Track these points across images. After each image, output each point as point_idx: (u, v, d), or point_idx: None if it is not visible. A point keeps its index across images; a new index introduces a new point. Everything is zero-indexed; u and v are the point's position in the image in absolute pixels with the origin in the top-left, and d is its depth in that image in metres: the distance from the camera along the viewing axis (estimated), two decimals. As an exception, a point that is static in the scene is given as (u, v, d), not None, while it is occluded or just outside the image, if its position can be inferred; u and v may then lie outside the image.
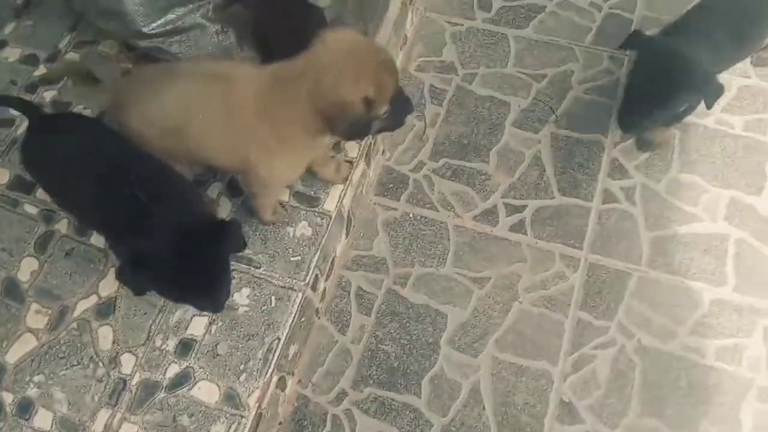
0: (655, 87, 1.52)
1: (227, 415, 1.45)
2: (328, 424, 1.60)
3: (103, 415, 1.47)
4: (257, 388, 1.47)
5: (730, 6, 1.61)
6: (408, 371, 1.64)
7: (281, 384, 1.57)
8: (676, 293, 1.67)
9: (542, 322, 1.67)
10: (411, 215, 1.83)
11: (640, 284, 1.69)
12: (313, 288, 1.62)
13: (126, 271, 1.26)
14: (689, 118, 1.82)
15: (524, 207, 1.80)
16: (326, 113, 1.28)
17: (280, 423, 1.62)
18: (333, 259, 1.75)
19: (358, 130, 1.33)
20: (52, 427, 1.47)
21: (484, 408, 1.58)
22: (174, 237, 1.23)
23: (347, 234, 1.81)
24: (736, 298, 1.64)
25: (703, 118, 1.85)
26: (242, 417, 1.45)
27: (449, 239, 1.79)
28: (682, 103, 1.57)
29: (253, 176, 1.47)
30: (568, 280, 1.71)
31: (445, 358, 1.65)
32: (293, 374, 1.64)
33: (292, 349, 1.59)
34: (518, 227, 1.78)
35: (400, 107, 1.35)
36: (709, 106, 1.51)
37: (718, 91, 1.49)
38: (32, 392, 1.51)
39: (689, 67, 1.50)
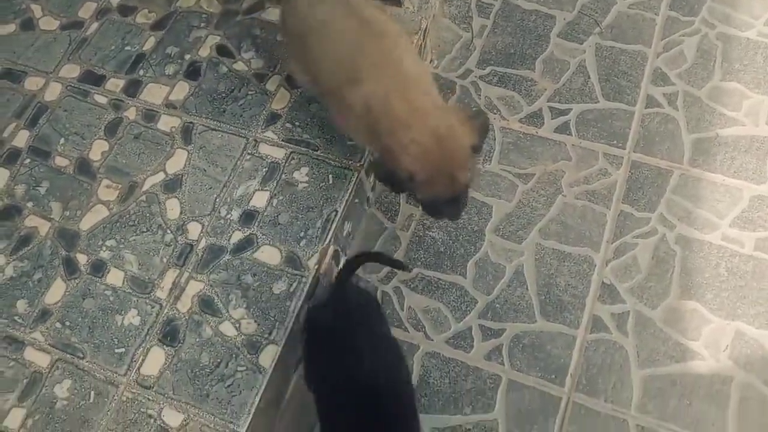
0: None
1: (288, 275, 1.54)
2: (378, 298, 1.69)
3: (171, 275, 1.58)
4: (316, 252, 1.56)
5: None
6: (454, 255, 1.72)
7: (336, 258, 1.66)
8: (717, 190, 1.72)
9: (585, 213, 1.73)
10: (458, 117, 1.91)
11: (681, 181, 1.74)
12: (367, 173, 1.71)
13: None
14: (731, 30, 1.88)
15: (569, 110, 1.87)
16: (384, 144, 1.33)
17: (333, 298, 1.72)
18: (384, 152, 1.83)
19: (388, 180, 1.39)
20: (123, 284, 1.58)
21: (527, 288, 1.66)
22: None
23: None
24: (775, 196, 1.69)
25: (746, 31, 1.90)
26: (302, 277, 1.54)
27: (495, 139, 1.86)
28: None
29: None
30: (611, 176, 1.77)
31: (489, 244, 1.72)
32: (346, 254, 1.73)
33: (347, 227, 1.68)
34: (563, 129, 1.85)
35: (443, 208, 1.40)
36: None
37: None
38: (104, 254, 1.62)
39: None
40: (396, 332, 1.64)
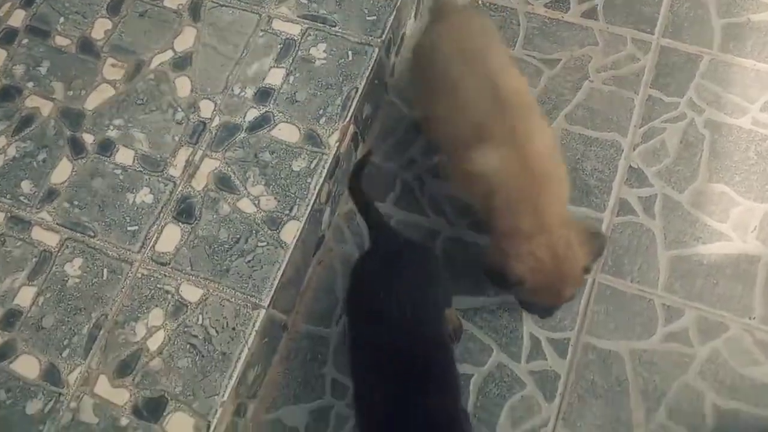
0: None
1: (308, 152, 1.48)
2: (398, 187, 1.63)
3: (184, 153, 1.51)
4: (336, 129, 1.49)
5: None
6: (477, 141, 1.67)
7: (355, 140, 1.59)
8: (748, 75, 1.67)
9: (612, 98, 1.67)
10: (480, 3, 1.82)
11: (711, 66, 1.68)
12: (387, 52, 1.63)
13: None
14: None
15: (596, -5, 1.79)
16: (498, 242, 1.29)
17: (351, 183, 1.66)
18: (403, 35, 1.75)
19: (493, 276, 1.33)
20: (133, 162, 1.51)
21: (553, 173, 1.62)
22: None
23: (417, 16, 1.80)
24: (807, 82, 1.64)
25: None
26: (323, 154, 1.47)
27: (519, 24, 1.78)
28: None
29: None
30: (639, 61, 1.70)
31: (514, 131, 1.67)
32: (365, 141, 1.67)
33: (366, 109, 1.61)
34: (590, 13, 1.77)
35: (539, 311, 1.41)
36: None
37: None
38: (112, 133, 1.54)
39: None
40: (417, 219, 1.60)
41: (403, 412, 1.09)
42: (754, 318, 1.46)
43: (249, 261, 1.40)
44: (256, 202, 1.45)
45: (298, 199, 1.44)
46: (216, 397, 1.31)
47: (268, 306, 1.37)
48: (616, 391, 1.43)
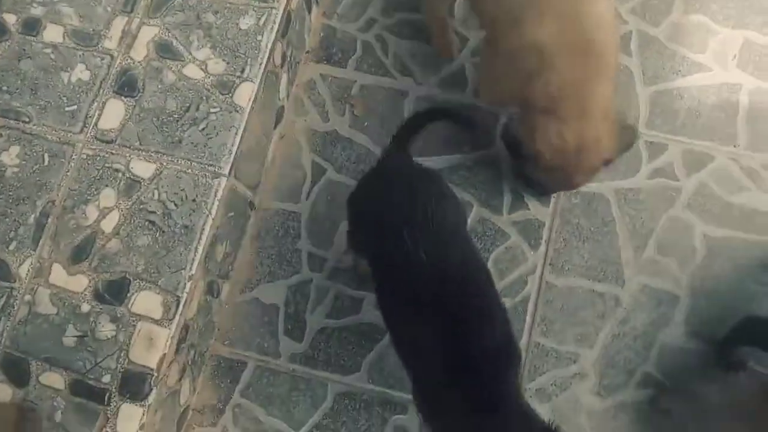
0: None
1: (255, 8, 1.34)
2: (359, 48, 1.52)
3: (119, 23, 1.36)
4: (285, -19, 1.37)
5: None
6: (439, -4, 1.55)
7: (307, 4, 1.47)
8: None
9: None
10: None
11: None
12: None
13: None
14: None
15: None
16: (530, 117, 1.20)
17: (308, 51, 1.54)
18: None
19: (510, 144, 1.31)
20: (64, 39, 1.36)
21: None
22: None
23: None
24: None
25: None
26: (272, 8, 1.34)
27: None
28: None
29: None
30: None
31: (477, -19, 1.56)
32: (318, 3, 1.54)
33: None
34: None
35: (541, 188, 1.37)
36: None
37: None
38: (36, 11, 1.38)
39: None
40: (383, 81, 1.50)
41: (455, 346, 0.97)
42: (738, 145, 1.40)
43: (203, 129, 1.29)
44: (204, 66, 1.32)
45: (249, 59, 1.32)
46: (182, 271, 1.22)
47: (229, 174, 1.26)
48: (603, 232, 1.37)
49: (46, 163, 1.29)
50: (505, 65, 1.22)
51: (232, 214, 1.33)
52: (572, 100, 1.14)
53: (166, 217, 1.24)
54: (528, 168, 1.30)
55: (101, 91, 1.32)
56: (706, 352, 1.30)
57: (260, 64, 1.32)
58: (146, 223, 1.24)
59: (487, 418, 0.95)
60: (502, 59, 1.22)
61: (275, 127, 1.45)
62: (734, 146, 1.40)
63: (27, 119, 1.32)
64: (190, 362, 1.31)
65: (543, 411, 1.28)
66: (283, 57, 1.41)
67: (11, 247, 1.25)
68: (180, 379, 1.28)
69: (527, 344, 1.33)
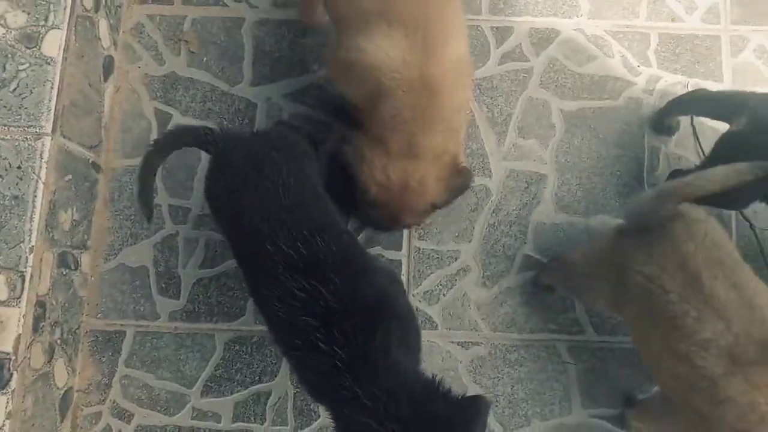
0: None
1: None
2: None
3: None
4: None
5: None
6: None
7: (112, -65, 1.35)
8: None
9: None
10: None
11: None
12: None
13: None
14: None
15: None
16: (363, 139, 1.15)
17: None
18: None
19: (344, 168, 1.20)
20: None
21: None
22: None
23: None
24: None
25: None
26: (66, -54, 1.23)
27: None
28: None
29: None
30: None
31: None
32: (129, -60, 1.42)
33: None
34: None
35: (380, 226, 1.27)
36: None
37: None
38: None
39: None
40: (214, 11, 1.41)
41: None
42: (581, 15, 1.40)
43: (14, 89, 1.16)
44: (2, 21, 1.19)
45: (51, 5, 1.19)
46: (21, 245, 1.11)
47: (53, 132, 1.16)
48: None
49: None
50: (350, 69, 1.14)
51: (70, 177, 1.22)
52: (402, 136, 1.10)
53: (-9, 191, 1.14)
54: (362, 201, 1.21)
55: None
56: (575, 222, 1.32)
57: (65, 8, 1.20)
58: (-30, 201, 1.14)
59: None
60: (346, 61, 1.14)
61: (106, 80, 1.34)
62: (578, 17, 1.40)
63: None
64: (58, 341, 1.22)
65: (433, 312, 1.29)
66: (97, 1, 1.29)
67: None
68: (50, 361, 1.20)
69: (408, 251, 1.32)
